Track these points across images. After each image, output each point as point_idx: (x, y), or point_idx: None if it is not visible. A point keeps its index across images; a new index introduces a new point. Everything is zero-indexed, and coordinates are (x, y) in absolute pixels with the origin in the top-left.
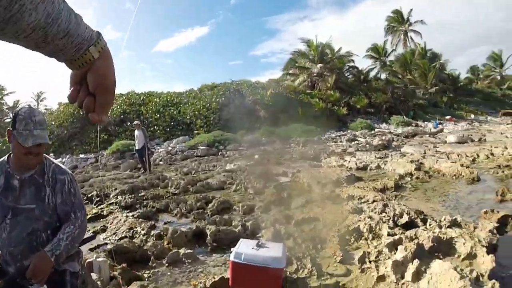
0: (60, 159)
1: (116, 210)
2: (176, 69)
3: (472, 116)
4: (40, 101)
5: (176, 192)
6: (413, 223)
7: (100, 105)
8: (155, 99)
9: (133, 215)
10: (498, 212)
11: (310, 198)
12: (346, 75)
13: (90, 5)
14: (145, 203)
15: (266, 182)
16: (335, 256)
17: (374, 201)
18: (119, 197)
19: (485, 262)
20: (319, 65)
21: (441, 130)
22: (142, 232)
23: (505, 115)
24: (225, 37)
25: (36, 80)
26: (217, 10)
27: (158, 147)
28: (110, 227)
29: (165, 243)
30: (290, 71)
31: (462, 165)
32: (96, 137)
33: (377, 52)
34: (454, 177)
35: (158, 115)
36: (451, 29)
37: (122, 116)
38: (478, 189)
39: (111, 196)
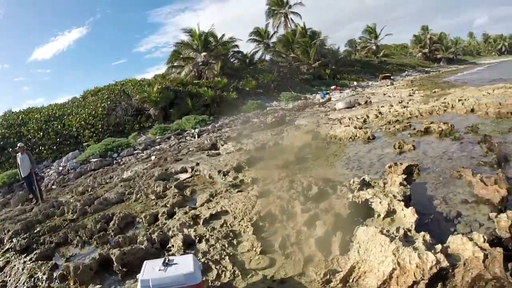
0: None
1: (13, 257)
2: (56, 78)
3: (355, 83)
4: None
5: (74, 217)
6: (324, 193)
7: None
8: (36, 116)
9: (31, 259)
10: (401, 164)
11: (215, 191)
12: (232, 60)
13: None
14: (42, 240)
15: (166, 184)
16: (254, 248)
17: (279, 179)
18: (14, 240)
19: (407, 216)
20: (203, 54)
21: (329, 99)
22: (44, 277)
23: (383, 78)
24: (106, 36)
25: None
26: (93, 8)
27: (48, 169)
28: (10, 281)
29: (71, 284)
30: (175, 64)
31: (355, 127)
32: None
33: (259, 35)
34: (351, 139)
35: (41, 133)
36: (327, 9)
37: (1, 143)
38: (376, 146)
39: (5, 241)
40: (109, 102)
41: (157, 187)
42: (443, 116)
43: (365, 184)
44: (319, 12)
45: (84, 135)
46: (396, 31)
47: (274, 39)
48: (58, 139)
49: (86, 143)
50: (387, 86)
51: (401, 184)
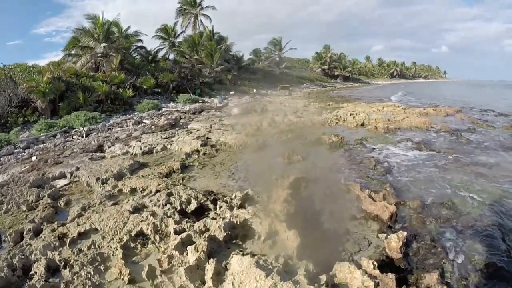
0: None
1: None
2: None
3: (254, 90)
4: None
5: None
6: (203, 208)
7: None
8: None
9: None
10: (288, 177)
11: (88, 203)
12: (134, 55)
13: None
14: None
15: (39, 192)
16: (122, 277)
17: (157, 191)
18: None
19: (290, 239)
20: (103, 45)
21: (226, 104)
22: None
23: (282, 88)
24: (4, 10)
25: None
26: None
27: None
28: None
29: None
30: (73, 52)
31: (247, 135)
32: None
33: (166, 33)
34: (240, 147)
35: None
36: (237, 17)
37: None
38: (266, 155)
39: None
40: None
41: (29, 196)
42: (334, 128)
43: (247, 199)
44: (229, 19)
45: None
46: (300, 47)
47: (180, 39)
48: None
49: None
50: (285, 96)
51: (285, 201)
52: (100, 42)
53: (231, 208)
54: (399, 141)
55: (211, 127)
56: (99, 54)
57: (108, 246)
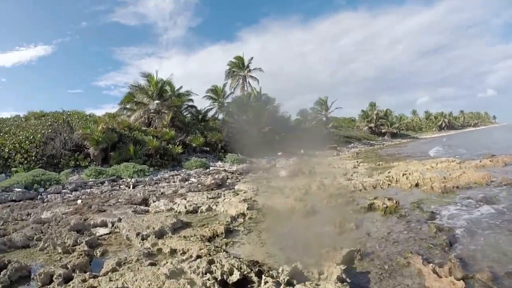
0: None
1: None
2: (9, 90)
3: (302, 151)
4: None
5: None
6: (246, 280)
7: None
8: None
9: None
10: (341, 249)
11: (125, 258)
12: (185, 113)
13: None
14: None
15: (78, 237)
16: None
17: (198, 256)
18: None
19: None
20: (156, 102)
21: (274, 165)
22: None
23: (330, 149)
24: (69, 61)
25: None
26: (65, 30)
27: None
28: None
29: None
30: (128, 106)
31: (295, 199)
32: None
33: (216, 93)
34: (289, 212)
35: None
36: (282, 78)
37: None
38: (315, 222)
39: None
40: (50, 130)
41: (67, 239)
42: (387, 190)
43: (296, 274)
44: (274, 79)
45: (15, 159)
46: (344, 104)
47: (229, 100)
48: None
49: (15, 169)
50: (333, 156)
51: (339, 279)
52: (153, 99)
53: (277, 284)
54: (459, 201)
55: (258, 190)
56: (152, 110)
57: None
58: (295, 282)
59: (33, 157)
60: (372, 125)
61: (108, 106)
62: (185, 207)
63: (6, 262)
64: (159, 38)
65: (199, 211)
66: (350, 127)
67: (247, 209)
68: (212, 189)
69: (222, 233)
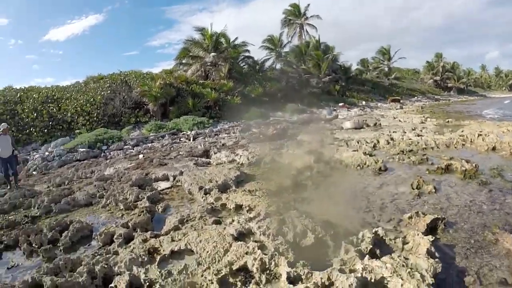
0: None
1: None
2: (67, 61)
3: (364, 102)
4: None
5: (37, 214)
6: (322, 245)
7: None
8: (34, 95)
9: None
10: (424, 215)
11: (188, 215)
12: (241, 65)
13: None
14: None
15: (139, 193)
16: None
17: (266, 214)
18: None
19: None
20: (212, 54)
21: (336, 116)
22: None
23: (393, 101)
24: (121, 26)
25: None
26: None
27: (34, 153)
28: None
29: None
30: (184, 61)
31: (365, 153)
32: None
33: (272, 43)
34: (359, 167)
35: (35, 114)
36: (341, 26)
37: None
38: (388, 180)
39: None
40: (109, 91)
41: (129, 194)
42: (461, 151)
43: (378, 242)
44: (333, 28)
45: (78, 121)
46: (409, 56)
47: (286, 49)
48: (50, 123)
49: (78, 131)
50: (396, 109)
51: (429, 253)
52: (209, 52)
53: (360, 254)
54: None
55: (322, 141)
56: (208, 63)
57: (202, 276)
58: (378, 252)
59: (95, 118)
60: (438, 78)
61: (164, 64)
62: (248, 159)
63: (68, 223)
64: None
65: (262, 162)
66: (414, 79)
67: (314, 161)
68: (273, 140)
69: (289, 187)
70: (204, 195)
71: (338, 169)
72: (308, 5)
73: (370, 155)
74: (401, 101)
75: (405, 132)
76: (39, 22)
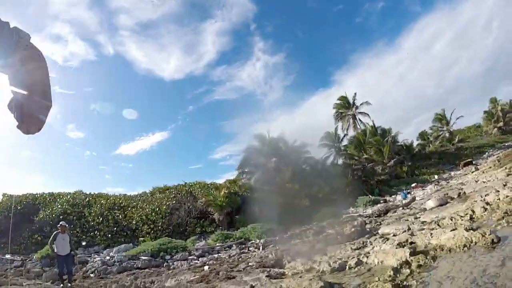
0: None
1: None
2: (136, 173)
3: (436, 176)
4: None
5: None
6: None
7: (27, 113)
8: (102, 201)
9: None
10: None
11: None
12: (304, 166)
13: (54, 101)
14: None
15: None
16: None
17: None
18: None
19: None
20: (273, 160)
21: (413, 199)
22: None
23: (465, 165)
24: (185, 141)
25: None
26: (176, 116)
27: (96, 256)
28: None
29: None
30: (246, 170)
31: (466, 229)
32: (29, 237)
33: (330, 139)
34: (465, 248)
35: (101, 219)
36: (390, 107)
37: (61, 217)
38: (509, 252)
39: None
40: (174, 202)
41: None
42: None
43: None
44: (382, 112)
45: (142, 229)
46: (465, 113)
47: (345, 142)
48: (115, 228)
49: (142, 238)
50: (472, 172)
51: None
52: (270, 158)
53: None
54: None
55: (410, 229)
56: (271, 169)
57: None
58: None
59: (159, 227)
60: (501, 124)
61: (227, 175)
62: (329, 265)
63: None
64: (261, 104)
65: (346, 267)
66: (478, 134)
67: (410, 254)
68: (353, 239)
69: None
70: None
71: (442, 257)
72: (355, 94)
73: (473, 230)
74: (473, 162)
75: (498, 191)
76: (111, 137)
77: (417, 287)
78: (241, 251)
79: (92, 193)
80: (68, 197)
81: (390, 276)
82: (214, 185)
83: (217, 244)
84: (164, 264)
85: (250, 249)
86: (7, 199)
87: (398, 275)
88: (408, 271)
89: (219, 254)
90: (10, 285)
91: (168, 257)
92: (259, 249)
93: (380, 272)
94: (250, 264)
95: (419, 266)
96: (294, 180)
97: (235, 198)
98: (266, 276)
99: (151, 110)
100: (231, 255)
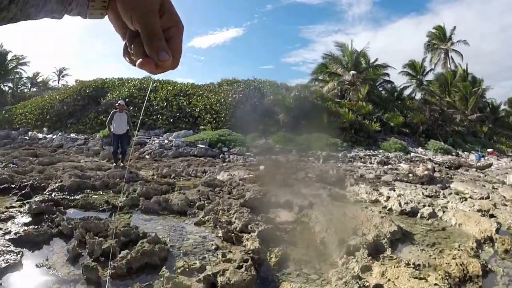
0: (51, 135)
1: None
2: (207, 66)
3: None
4: (62, 76)
5: (121, 205)
6: None
7: (147, 41)
8: (168, 87)
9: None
10: None
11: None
12: (380, 89)
13: None
14: (58, 218)
15: (250, 221)
16: None
17: None
18: (52, 195)
19: None
20: (352, 72)
21: (489, 165)
22: None
23: None
24: (259, 40)
25: (60, 55)
26: (253, 13)
27: (155, 138)
28: None
29: None
30: (320, 77)
31: None
32: (95, 118)
33: (414, 69)
34: None
35: (166, 104)
36: (486, 58)
37: (127, 100)
38: None
39: (46, 190)
40: (241, 95)
41: (236, 218)
42: None
43: None
44: (475, 60)
45: (204, 118)
46: None
47: (429, 77)
48: (178, 114)
49: (202, 127)
50: None
51: None
52: (348, 70)
53: None
54: None
55: (491, 199)
56: (346, 82)
57: None
58: None
59: (222, 118)
60: None
61: (297, 81)
62: (400, 205)
63: (141, 235)
64: (344, 15)
65: (418, 214)
66: None
67: (495, 229)
68: (423, 183)
69: (478, 275)
70: (345, 255)
71: None
72: (454, 27)
73: None
74: None
75: None
76: (185, 30)
77: (502, 278)
78: (300, 158)
79: (161, 79)
80: (136, 81)
81: (472, 249)
82: (285, 85)
83: (277, 146)
84: (220, 156)
85: (309, 158)
86: (78, 84)
87: (480, 250)
88: (491, 250)
89: (277, 157)
90: (69, 161)
91: (225, 149)
92: (319, 161)
93: (458, 238)
94: (309, 175)
95: (506, 251)
96: (368, 99)
97: (304, 102)
98: (328, 194)
99: (228, 4)
100: (290, 160)
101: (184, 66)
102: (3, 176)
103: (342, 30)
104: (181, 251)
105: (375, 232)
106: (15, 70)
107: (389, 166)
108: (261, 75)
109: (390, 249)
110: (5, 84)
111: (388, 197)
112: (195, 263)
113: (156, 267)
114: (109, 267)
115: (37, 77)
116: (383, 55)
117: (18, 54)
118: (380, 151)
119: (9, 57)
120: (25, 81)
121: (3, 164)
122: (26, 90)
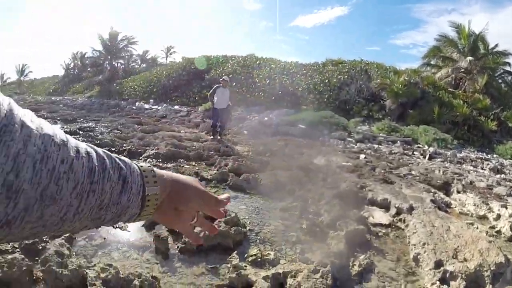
0: (156, 106)
1: None
2: (311, 45)
3: None
4: (169, 54)
5: (210, 177)
6: None
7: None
8: (272, 65)
9: None
10: None
11: None
12: (499, 81)
13: None
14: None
15: (341, 217)
16: None
17: None
18: (146, 161)
19: None
20: (468, 58)
21: None
22: None
23: None
24: (365, 20)
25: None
26: None
27: (255, 115)
28: None
29: None
30: (432, 62)
31: None
32: (198, 92)
33: None
34: None
35: (268, 81)
36: None
37: (230, 76)
38: None
39: (142, 156)
40: (346, 77)
41: (324, 210)
42: None
43: None
44: None
45: (307, 98)
46: None
47: None
48: (280, 92)
49: (304, 107)
50: None
51: None
52: (464, 56)
53: None
54: None
55: None
56: (462, 69)
57: None
58: None
59: (325, 100)
60: None
61: (405, 65)
62: (511, 229)
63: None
64: None
65: None
66: None
67: None
68: None
69: None
70: (439, 285)
71: None
72: None
73: None
74: None
75: None
76: (289, 8)
77: None
78: (405, 151)
79: (264, 57)
80: (240, 59)
81: None
82: (393, 69)
83: (380, 134)
84: (320, 138)
85: (415, 153)
86: (184, 61)
87: None
88: None
89: (379, 147)
90: (170, 130)
91: (326, 131)
92: (425, 157)
93: None
94: (412, 172)
95: None
96: (485, 92)
97: (414, 89)
98: (431, 200)
99: None
100: (393, 152)
101: (287, 45)
102: (105, 140)
103: (456, 10)
104: (259, 237)
105: (479, 260)
106: (126, 49)
107: (503, 175)
108: (367, 56)
109: (491, 286)
110: (117, 61)
111: (499, 216)
112: (270, 253)
113: (228, 249)
114: (180, 241)
115: (146, 55)
116: (504, 41)
117: (129, 35)
118: (494, 155)
119: (119, 37)
120: (135, 58)
121: (109, 129)
122: (136, 66)
